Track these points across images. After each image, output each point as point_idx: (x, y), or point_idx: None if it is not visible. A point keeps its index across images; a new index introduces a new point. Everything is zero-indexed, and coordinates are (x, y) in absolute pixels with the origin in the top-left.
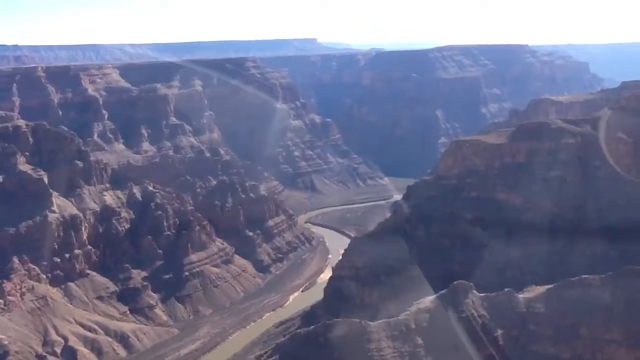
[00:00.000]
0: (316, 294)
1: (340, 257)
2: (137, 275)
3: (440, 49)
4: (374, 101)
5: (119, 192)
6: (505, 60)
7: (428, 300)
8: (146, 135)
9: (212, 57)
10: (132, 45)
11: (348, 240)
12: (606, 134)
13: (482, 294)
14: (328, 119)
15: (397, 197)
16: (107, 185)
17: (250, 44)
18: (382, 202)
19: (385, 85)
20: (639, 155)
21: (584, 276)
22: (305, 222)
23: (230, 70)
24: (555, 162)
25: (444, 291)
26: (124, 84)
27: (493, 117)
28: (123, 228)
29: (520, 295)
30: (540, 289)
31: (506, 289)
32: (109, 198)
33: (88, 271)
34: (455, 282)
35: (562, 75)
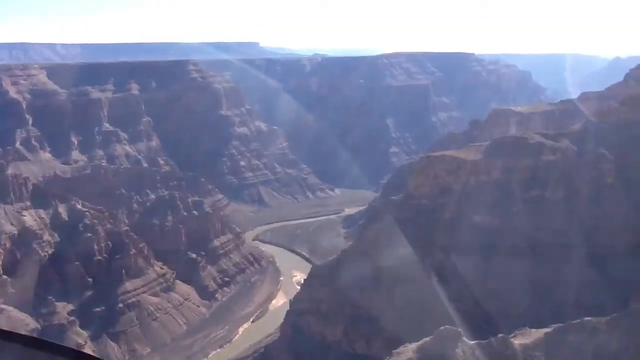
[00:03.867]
0: (269, 325)
1: (299, 289)
2: (63, 309)
3: (387, 56)
4: (321, 108)
5: (41, 211)
6: (452, 68)
7: (410, 349)
8: (76, 143)
9: (150, 59)
10: (64, 45)
11: (300, 260)
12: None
13: (473, 342)
14: (275, 127)
15: (349, 210)
16: (27, 203)
17: (190, 46)
18: (333, 216)
19: (333, 91)
20: (622, 173)
21: (586, 319)
22: (253, 240)
23: (170, 73)
24: (535, 180)
25: (427, 339)
26: (51, 86)
27: (443, 126)
28: (45, 253)
29: (516, 342)
30: (538, 334)
31: (499, 335)
32: (29, 218)
33: (2, 305)
34: (442, 328)
35: (507, 84)
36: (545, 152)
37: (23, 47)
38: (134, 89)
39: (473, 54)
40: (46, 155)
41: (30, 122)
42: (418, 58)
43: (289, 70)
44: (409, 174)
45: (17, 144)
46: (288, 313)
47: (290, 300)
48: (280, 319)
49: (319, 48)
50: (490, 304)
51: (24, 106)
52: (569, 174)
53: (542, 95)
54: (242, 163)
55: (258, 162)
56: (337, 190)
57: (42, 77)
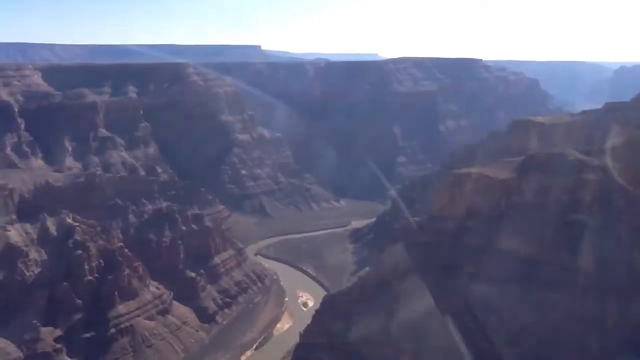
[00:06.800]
0: (273, 353)
1: (310, 321)
2: (48, 335)
3: (394, 61)
4: (325, 115)
5: (27, 226)
6: (459, 75)
7: None
8: (70, 149)
9: (149, 62)
10: (63, 45)
11: (305, 278)
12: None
13: None
14: (278, 134)
15: (356, 223)
16: (13, 216)
17: (189, 48)
18: (339, 229)
19: (337, 97)
20: None
21: None
22: (255, 255)
23: (169, 76)
24: (575, 202)
25: None
26: (46, 88)
27: (451, 135)
28: (31, 273)
29: None
30: None
31: None
32: (15, 234)
33: None
34: None
35: (515, 92)
36: (586, 171)
37: (21, 47)
38: (132, 92)
39: (480, 60)
40: (38, 162)
41: (23, 126)
42: (424, 64)
43: (291, 74)
44: (432, 192)
45: (8, 150)
46: (297, 347)
47: (300, 332)
48: (286, 346)
49: (322, 52)
50: (524, 342)
51: (16, 109)
52: (612, 197)
53: (550, 104)
54: (244, 172)
55: (260, 171)
56: (342, 201)
57: (37, 78)
